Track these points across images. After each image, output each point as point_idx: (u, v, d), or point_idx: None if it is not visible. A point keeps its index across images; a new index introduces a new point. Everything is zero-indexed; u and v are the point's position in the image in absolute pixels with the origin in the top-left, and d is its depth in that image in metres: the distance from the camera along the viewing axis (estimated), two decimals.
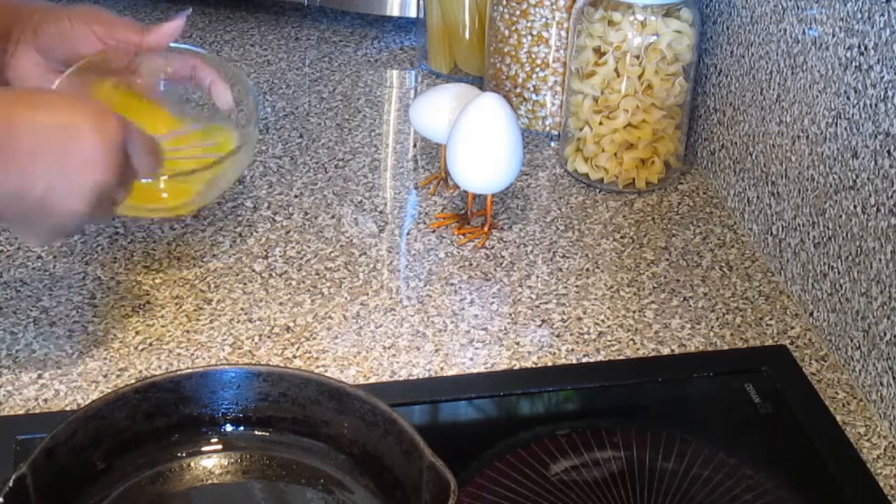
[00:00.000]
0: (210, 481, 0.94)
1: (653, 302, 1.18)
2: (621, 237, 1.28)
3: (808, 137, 1.15)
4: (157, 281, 1.17)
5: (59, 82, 1.12)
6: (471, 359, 1.10)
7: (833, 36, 1.09)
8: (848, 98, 1.07)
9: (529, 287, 1.20)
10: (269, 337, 1.11)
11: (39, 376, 1.06)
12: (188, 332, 1.11)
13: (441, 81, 1.54)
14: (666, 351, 1.12)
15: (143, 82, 1.18)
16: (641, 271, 1.23)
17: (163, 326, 1.12)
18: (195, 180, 1.13)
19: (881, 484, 0.98)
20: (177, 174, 1.11)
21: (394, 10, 1.63)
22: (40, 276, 1.17)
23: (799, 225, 1.17)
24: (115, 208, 1.00)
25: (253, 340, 1.11)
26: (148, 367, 1.07)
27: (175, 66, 1.18)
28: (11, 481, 0.82)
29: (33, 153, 0.91)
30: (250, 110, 1.18)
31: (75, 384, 1.05)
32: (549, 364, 1.10)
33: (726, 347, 1.13)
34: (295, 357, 1.09)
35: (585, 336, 1.14)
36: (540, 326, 1.14)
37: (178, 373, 0.94)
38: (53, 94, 0.99)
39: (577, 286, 1.20)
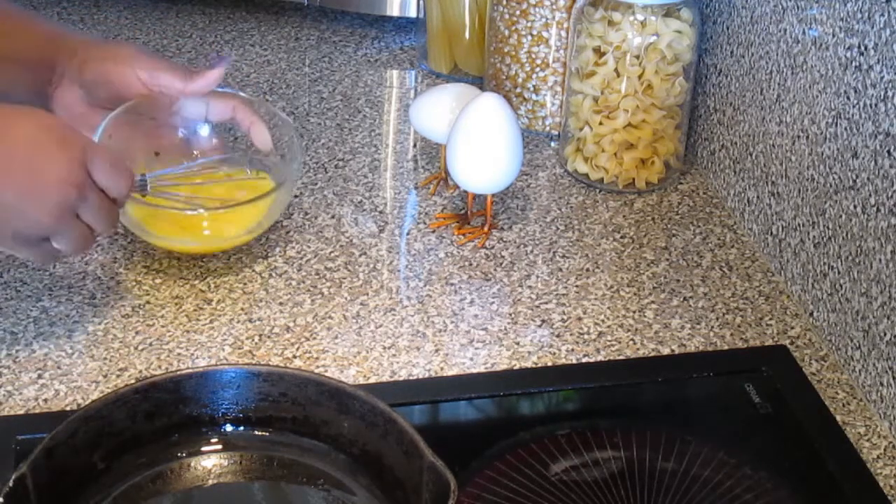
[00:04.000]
0: (210, 481, 0.94)
1: (653, 302, 1.18)
2: (621, 237, 1.28)
3: (808, 137, 1.15)
4: (157, 281, 1.17)
5: (104, 124, 1.14)
6: (471, 359, 1.10)
7: (833, 36, 1.09)
8: (848, 98, 1.07)
9: (529, 287, 1.20)
10: (269, 337, 1.11)
11: (39, 376, 1.06)
12: (188, 332, 1.11)
13: (441, 81, 1.54)
14: (666, 351, 1.12)
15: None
16: (641, 271, 1.23)
17: (163, 326, 1.12)
18: (237, 217, 1.16)
19: (881, 484, 0.98)
20: (217, 208, 1.16)
21: (394, 10, 1.63)
22: (40, 276, 1.17)
23: (799, 225, 1.17)
24: (93, 233, 1.02)
25: (253, 340, 1.11)
26: (148, 367, 1.07)
27: (216, 109, 1.20)
28: (11, 481, 0.82)
29: (4, 161, 0.95)
30: (293, 151, 1.20)
31: (75, 384, 1.05)
32: (549, 364, 1.10)
33: (726, 347, 1.13)
34: (295, 357, 1.09)
35: (585, 336, 1.14)
36: (540, 326, 1.14)
37: (178, 373, 0.94)
38: (27, 112, 1.01)
39: (577, 286, 1.20)
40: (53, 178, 0.96)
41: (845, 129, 1.08)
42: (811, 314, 1.16)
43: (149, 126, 1.19)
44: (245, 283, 1.18)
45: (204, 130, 1.22)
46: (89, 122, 1.13)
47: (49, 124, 0.99)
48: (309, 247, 1.24)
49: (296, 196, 1.30)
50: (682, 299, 1.19)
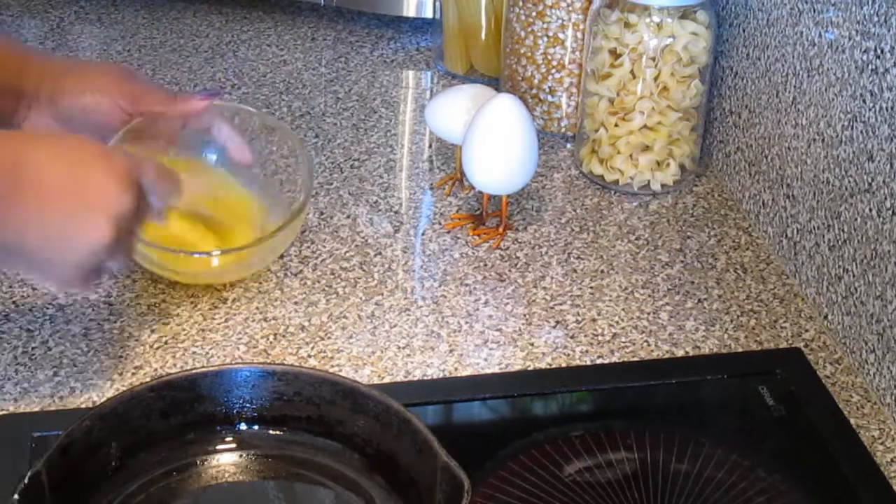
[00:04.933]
0: (224, 480, 0.94)
1: (667, 304, 1.18)
2: (636, 239, 1.28)
3: (823, 140, 1.15)
4: (173, 279, 1.17)
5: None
6: (485, 359, 1.10)
7: (849, 39, 1.09)
8: (864, 101, 1.07)
9: (544, 288, 1.20)
10: (283, 336, 1.12)
11: (55, 374, 1.06)
12: (203, 330, 1.12)
13: (457, 82, 1.54)
14: (680, 353, 1.12)
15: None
16: (656, 273, 1.23)
17: (178, 325, 1.12)
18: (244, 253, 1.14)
19: (895, 487, 0.98)
20: (227, 251, 1.14)
21: (410, 10, 1.63)
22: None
23: (814, 228, 1.17)
24: (133, 245, 0.99)
25: (268, 339, 1.11)
26: (163, 366, 1.07)
27: (191, 123, 1.16)
28: (27, 478, 0.82)
29: (49, 188, 0.91)
30: (304, 179, 1.17)
31: (91, 382, 1.05)
32: (564, 365, 1.10)
33: (740, 350, 1.13)
34: (309, 356, 1.09)
35: (600, 337, 1.14)
36: (554, 327, 1.14)
37: (194, 371, 0.95)
38: (63, 135, 0.99)
39: (591, 287, 1.20)
40: (109, 192, 0.93)
41: (861, 132, 1.08)
42: (826, 317, 1.16)
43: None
44: (260, 283, 1.18)
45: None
46: None
47: (89, 143, 0.96)
48: (324, 246, 1.24)
49: (312, 196, 1.30)
50: (696, 301, 1.19)
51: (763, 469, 0.99)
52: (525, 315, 1.16)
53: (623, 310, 1.17)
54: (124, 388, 1.00)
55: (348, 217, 1.29)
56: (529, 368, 1.10)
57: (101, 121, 1.11)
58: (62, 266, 0.94)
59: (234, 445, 0.95)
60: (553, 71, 1.41)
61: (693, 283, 1.21)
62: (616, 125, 1.33)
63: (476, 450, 0.99)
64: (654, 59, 1.28)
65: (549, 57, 1.41)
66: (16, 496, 0.81)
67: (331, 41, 1.65)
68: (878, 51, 1.04)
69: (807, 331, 1.16)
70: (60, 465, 0.86)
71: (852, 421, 1.05)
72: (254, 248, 1.14)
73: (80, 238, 0.92)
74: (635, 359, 1.12)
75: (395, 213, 1.30)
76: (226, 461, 0.95)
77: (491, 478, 0.97)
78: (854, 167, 1.09)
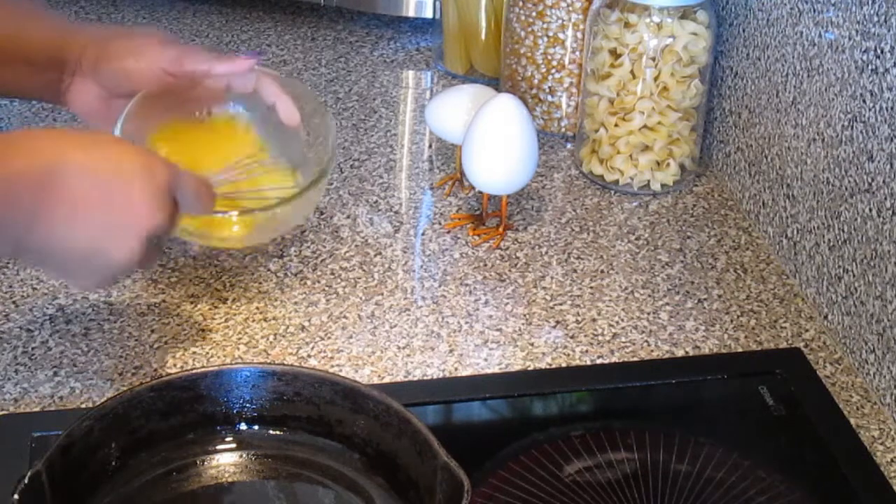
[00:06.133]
0: (224, 480, 0.94)
1: (667, 304, 1.18)
2: (636, 239, 1.28)
3: (823, 140, 1.15)
4: (173, 279, 1.18)
5: (125, 113, 1.09)
6: (485, 359, 1.10)
7: (849, 39, 1.09)
8: (864, 101, 1.07)
9: (544, 288, 1.20)
10: (283, 336, 1.12)
11: (55, 374, 1.06)
12: (203, 330, 1.12)
13: (457, 82, 1.54)
14: (680, 353, 1.12)
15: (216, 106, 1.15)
16: (656, 273, 1.23)
17: (178, 325, 1.12)
18: (263, 216, 1.10)
19: (895, 487, 0.98)
20: (245, 211, 1.09)
21: (410, 10, 1.63)
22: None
23: (814, 228, 1.17)
24: (160, 252, 0.98)
25: (268, 339, 1.11)
26: (163, 366, 1.08)
27: (239, 80, 1.13)
28: (27, 478, 0.82)
29: (81, 202, 0.90)
30: (329, 145, 1.13)
31: (91, 382, 1.05)
32: (564, 365, 1.10)
33: (740, 350, 1.13)
34: (309, 356, 1.09)
35: (600, 337, 1.14)
36: (554, 327, 1.14)
37: (194, 371, 0.95)
38: (105, 140, 0.97)
39: (591, 287, 1.20)
40: (144, 208, 0.92)
41: (861, 132, 1.08)
42: (826, 317, 1.16)
43: (169, 103, 1.13)
44: (260, 283, 1.18)
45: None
46: (108, 115, 1.09)
47: (130, 152, 0.94)
48: (324, 246, 1.24)
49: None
50: (696, 301, 1.19)
51: (763, 469, 0.99)
52: (525, 315, 1.16)
53: (623, 310, 1.17)
54: (124, 388, 1.00)
55: (348, 217, 1.29)
56: (529, 368, 1.10)
57: (145, 84, 1.09)
58: (86, 277, 0.95)
59: (234, 445, 0.95)
60: (553, 71, 1.41)
61: (693, 283, 1.21)
62: (616, 125, 1.33)
63: (476, 450, 0.99)
64: (654, 59, 1.29)
65: (549, 57, 1.41)
66: (16, 496, 0.81)
67: (331, 41, 1.65)
68: (878, 51, 1.04)
69: (807, 331, 1.16)
70: (60, 465, 0.86)
71: (852, 421, 1.05)
72: (283, 207, 1.09)
73: (109, 255, 0.92)
74: (635, 359, 1.12)
75: (395, 213, 1.30)
76: (226, 461, 0.95)
77: (491, 478, 0.97)
78: (854, 167, 1.09)
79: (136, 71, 1.09)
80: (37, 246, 0.91)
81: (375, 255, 1.23)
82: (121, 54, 1.10)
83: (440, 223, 1.28)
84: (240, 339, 1.11)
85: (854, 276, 1.10)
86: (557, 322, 1.15)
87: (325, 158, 1.12)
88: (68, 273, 0.96)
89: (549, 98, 1.43)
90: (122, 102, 1.09)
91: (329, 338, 1.12)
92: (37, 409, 1.02)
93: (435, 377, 1.08)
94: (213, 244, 1.16)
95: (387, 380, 1.07)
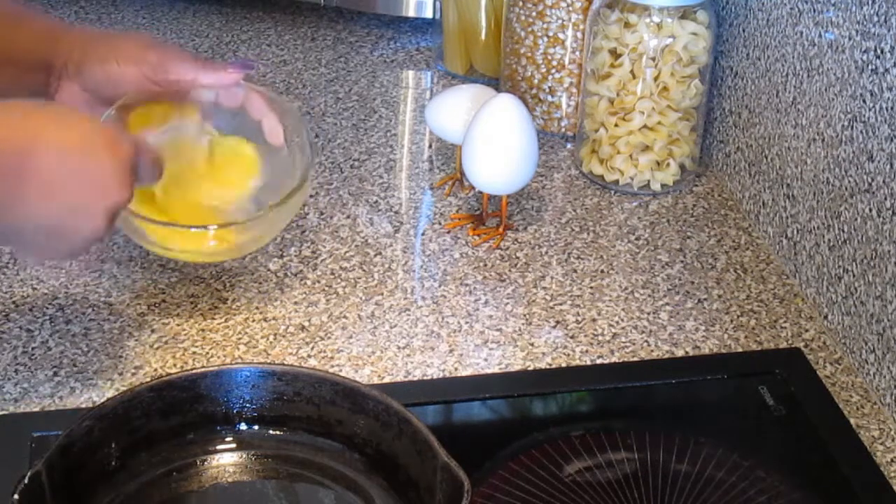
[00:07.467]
0: (224, 480, 0.94)
1: (667, 304, 1.18)
2: (636, 239, 1.28)
3: (823, 140, 1.15)
4: (173, 279, 1.18)
5: (106, 116, 1.07)
6: (485, 359, 1.10)
7: (849, 39, 1.09)
8: (864, 101, 1.07)
9: (544, 288, 1.20)
10: (283, 336, 1.12)
11: (55, 374, 1.06)
12: (203, 330, 1.12)
13: (457, 82, 1.54)
14: (680, 353, 1.12)
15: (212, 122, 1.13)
16: (656, 273, 1.23)
17: (178, 325, 1.12)
18: (241, 229, 1.09)
19: (895, 487, 0.98)
20: (225, 225, 1.07)
21: (410, 11, 1.63)
22: (56, 274, 1.17)
23: (814, 228, 1.17)
24: (116, 223, 0.98)
25: (268, 339, 1.11)
26: (163, 366, 1.08)
27: (227, 94, 1.11)
28: (27, 478, 0.82)
29: (55, 182, 0.90)
30: (306, 154, 1.11)
31: (91, 382, 1.05)
32: (564, 365, 1.10)
33: (740, 350, 1.13)
34: (309, 356, 1.09)
35: (600, 337, 1.14)
36: (554, 327, 1.14)
37: (193, 371, 0.95)
38: (77, 117, 0.96)
39: (591, 287, 1.20)
40: (111, 185, 0.92)
41: (861, 132, 1.08)
42: (826, 317, 1.16)
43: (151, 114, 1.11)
44: (260, 283, 1.18)
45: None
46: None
47: (99, 130, 0.94)
48: (324, 246, 1.24)
49: (311, 196, 1.31)
50: (696, 301, 1.19)
51: (763, 469, 0.99)
52: (525, 315, 1.16)
53: (623, 310, 1.17)
54: (124, 388, 1.01)
55: (348, 217, 1.29)
56: (529, 368, 1.10)
57: (127, 90, 1.08)
58: (53, 251, 0.96)
59: (234, 445, 0.95)
60: (553, 71, 1.41)
61: (693, 283, 1.21)
62: (616, 125, 1.33)
63: (476, 450, 0.99)
64: (654, 59, 1.29)
65: (549, 57, 1.41)
66: (16, 496, 0.81)
67: (331, 41, 1.65)
68: (878, 51, 1.04)
69: (807, 331, 1.16)
70: (60, 466, 0.86)
71: (852, 421, 1.05)
72: (252, 223, 1.09)
73: (76, 230, 0.93)
74: (635, 359, 1.12)
75: (395, 213, 1.30)
76: (226, 461, 0.95)
77: (491, 478, 0.97)
78: (854, 167, 1.09)
79: (118, 74, 1.08)
80: (7, 223, 0.91)
81: (375, 255, 1.23)
82: (104, 57, 1.09)
83: (440, 223, 1.28)
84: (240, 339, 1.11)
85: (854, 276, 1.10)
86: (557, 322, 1.15)
87: (303, 170, 1.10)
88: (34, 248, 0.96)
89: (549, 98, 1.43)
90: (107, 107, 1.09)
91: (329, 338, 1.12)
92: (37, 409, 1.02)
93: (435, 377, 1.08)
94: (200, 260, 1.16)
95: (387, 380, 1.07)
